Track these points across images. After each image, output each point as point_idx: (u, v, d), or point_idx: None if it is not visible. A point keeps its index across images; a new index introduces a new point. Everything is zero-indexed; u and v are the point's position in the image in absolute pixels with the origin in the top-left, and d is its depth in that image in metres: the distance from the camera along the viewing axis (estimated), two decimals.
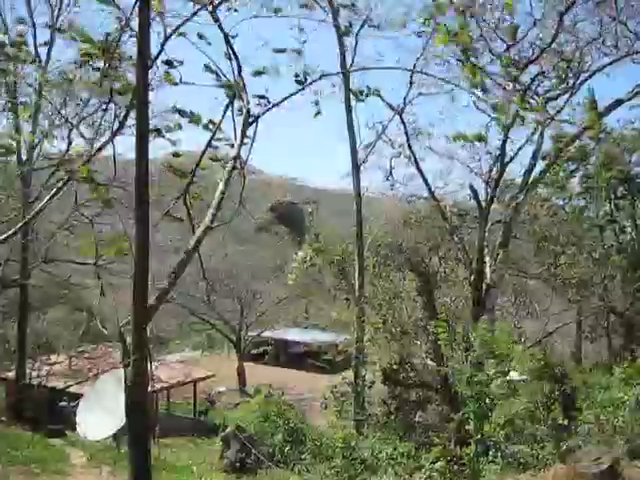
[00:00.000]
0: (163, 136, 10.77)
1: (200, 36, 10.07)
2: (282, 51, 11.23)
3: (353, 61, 27.78)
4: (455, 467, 13.91)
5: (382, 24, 26.37)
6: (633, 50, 24.81)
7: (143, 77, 7.72)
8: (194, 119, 10.49)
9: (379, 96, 25.91)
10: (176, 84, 10.72)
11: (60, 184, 12.05)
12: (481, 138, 10.37)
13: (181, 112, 10.53)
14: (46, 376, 33.11)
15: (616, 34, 24.49)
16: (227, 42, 10.19)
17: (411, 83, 26.66)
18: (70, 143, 13.12)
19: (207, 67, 10.35)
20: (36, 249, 30.28)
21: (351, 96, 27.04)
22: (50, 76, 16.84)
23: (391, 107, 27.29)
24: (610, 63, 25.57)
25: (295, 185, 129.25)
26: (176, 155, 11.03)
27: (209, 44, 10.13)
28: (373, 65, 26.62)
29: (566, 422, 13.72)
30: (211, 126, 10.52)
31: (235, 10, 9.97)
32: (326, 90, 24.43)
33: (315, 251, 28.14)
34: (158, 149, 10.87)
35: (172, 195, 10.60)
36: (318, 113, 13.85)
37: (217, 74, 10.36)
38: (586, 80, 26.43)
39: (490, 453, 14.24)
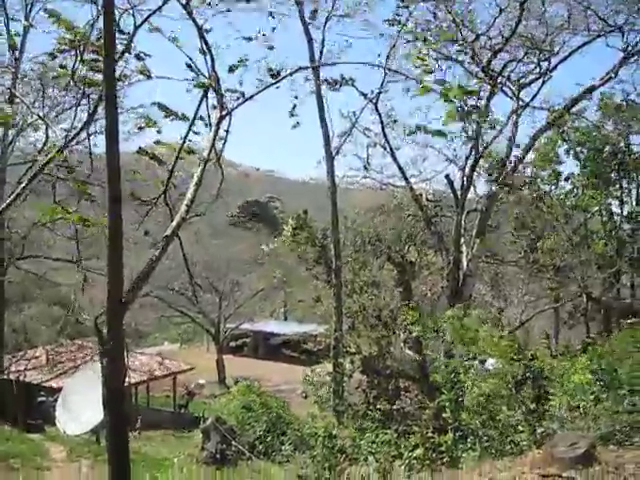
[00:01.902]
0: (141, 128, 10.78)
1: (174, 39, 10.09)
2: (250, 39, 11.31)
3: (322, 52, 27.50)
4: (434, 455, 14.09)
5: (350, 11, 26.38)
6: (603, 32, 25.10)
7: (109, 68, 7.63)
8: (170, 114, 10.47)
9: (353, 86, 26.02)
10: (150, 77, 10.70)
11: (33, 174, 11.99)
12: (441, 133, 10.40)
13: (161, 107, 10.50)
14: (24, 371, 32.94)
15: (586, 17, 24.80)
16: (201, 36, 10.19)
17: (385, 73, 26.68)
18: (47, 138, 13.09)
19: (189, 66, 10.34)
20: (12, 246, 30.11)
21: (322, 86, 27.02)
22: (24, 68, 16.81)
23: (365, 96, 27.29)
24: (581, 46, 25.87)
25: (272, 178, 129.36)
26: (158, 143, 10.98)
27: (179, 47, 10.14)
28: (343, 58, 26.43)
29: (537, 406, 13.89)
30: (185, 120, 10.52)
31: (209, 4, 9.94)
32: (299, 82, 24.50)
33: (298, 226, 28.10)
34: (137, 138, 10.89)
35: (147, 184, 10.61)
36: (297, 124, 14.03)
37: (195, 72, 10.37)
38: (559, 64, 26.70)
39: (468, 440, 14.42)
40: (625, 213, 36.62)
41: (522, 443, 13.07)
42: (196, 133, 10.69)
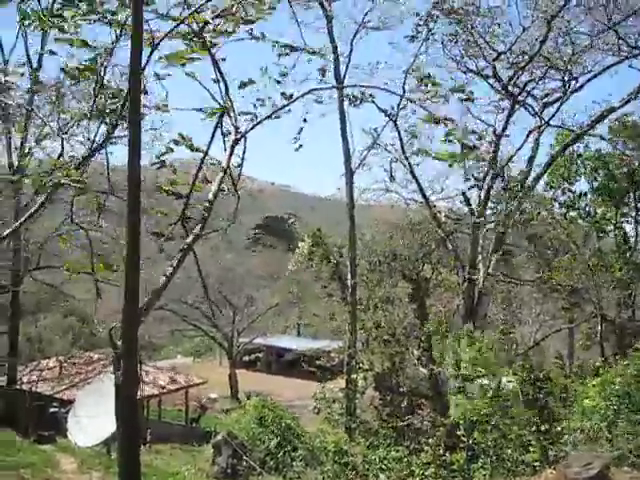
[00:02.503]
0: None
1: (190, 74, 10.22)
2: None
3: (347, 66, 27.54)
4: (445, 472, 14.00)
5: (379, 25, 26.44)
6: (631, 54, 24.98)
7: (135, 84, 7.75)
8: (189, 145, 10.69)
9: (373, 102, 26.09)
10: (167, 111, 10.93)
11: (50, 190, 12.10)
12: (453, 158, 10.50)
13: (182, 138, 10.72)
14: (37, 382, 33.03)
15: (617, 39, 24.70)
16: (215, 65, 10.30)
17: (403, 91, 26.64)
18: (63, 150, 13.16)
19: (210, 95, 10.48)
20: (29, 256, 30.32)
21: (345, 102, 27.05)
22: (42, 83, 16.92)
23: (385, 113, 27.30)
24: (609, 66, 25.73)
25: (288, 193, 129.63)
26: (173, 183, 11.10)
27: (195, 78, 10.28)
28: (366, 81, 26.44)
29: (549, 427, 13.80)
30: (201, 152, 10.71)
31: (223, 32, 10.00)
32: (322, 97, 24.52)
33: (314, 243, 28.05)
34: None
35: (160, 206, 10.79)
36: (300, 147, 14.16)
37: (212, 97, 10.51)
38: (585, 84, 26.58)
39: (480, 459, 14.33)
40: None
41: (533, 463, 12.99)
42: (213, 164, 10.87)
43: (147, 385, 32.31)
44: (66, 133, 14.21)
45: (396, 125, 27.37)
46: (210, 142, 10.47)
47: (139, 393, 8.22)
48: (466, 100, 19.47)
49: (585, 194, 35.76)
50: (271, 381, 51.37)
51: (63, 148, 13.20)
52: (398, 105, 26.66)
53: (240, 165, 11.06)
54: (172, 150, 10.91)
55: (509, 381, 15.50)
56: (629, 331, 33.13)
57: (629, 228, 36.76)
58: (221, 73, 10.43)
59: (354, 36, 26.95)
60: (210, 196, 9.86)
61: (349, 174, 28.57)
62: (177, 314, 50.22)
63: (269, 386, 46.21)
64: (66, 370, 35.83)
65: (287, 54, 12.99)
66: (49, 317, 48.44)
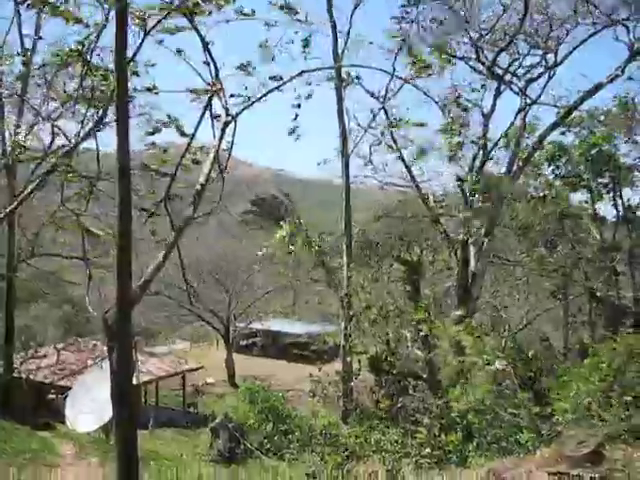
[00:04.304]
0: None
1: (179, 51, 10.25)
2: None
3: (347, 43, 27.38)
4: (440, 452, 14.13)
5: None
6: (606, 25, 24.75)
7: (122, 72, 7.77)
8: (177, 126, 10.72)
9: (360, 85, 26.20)
10: (156, 93, 10.95)
11: (42, 177, 12.17)
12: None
13: (171, 121, 10.74)
14: (34, 370, 33.11)
15: (590, 13, 24.55)
16: (205, 48, 10.32)
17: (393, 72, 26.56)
18: (54, 137, 13.20)
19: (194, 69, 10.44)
20: (23, 243, 30.24)
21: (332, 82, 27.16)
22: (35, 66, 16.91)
23: (373, 96, 27.38)
24: (586, 39, 25.53)
25: (281, 176, 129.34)
26: (164, 162, 11.12)
27: (185, 60, 10.29)
28: (362, 62, 26.58)
29: (541, 409, 13.93)
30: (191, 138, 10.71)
31: (209, 13, 10.00)
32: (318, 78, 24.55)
33: (293, 230, 28.08)
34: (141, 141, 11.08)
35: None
36: (298, 137, 14.13)
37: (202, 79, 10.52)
38: (565, 58, 26.42)
39: (474, 440, 14.47)
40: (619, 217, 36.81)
41: (526, 443, 13.12)
42: (202, 147, 10.91)
43: (144, 370, 32.40)
44: (56, 120, 14.24)
45: (384, 108, 27.44)
46: (199, 123, 10.48)
47: (135, 378, 8.29)
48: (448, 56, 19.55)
49: (565, 177, 36.06)
50: (268, 365, 51.53)
51: (54, 134, 13.25)
52: (387, 86, 26.83)
53: (230, 147, 11.06)
54: (159, 130, 10.93)
55: (500, 363, 15.62)
56: (619, 309, 33.43)
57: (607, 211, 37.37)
58: (211, 55, 10.47)
59: (352, 13, 27.02)
60: (201, 179, 9.88)
61: (345, 155, 28.61)
62: (172, 299, 50.19)
63: (266, 370, 46.37)
64: (63, 357, 35.92)
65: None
66: (43, 305, 48.30)
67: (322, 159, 30.22)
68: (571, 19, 25.06)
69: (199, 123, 10.43)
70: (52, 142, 13.20)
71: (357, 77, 26.72)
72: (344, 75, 26.87)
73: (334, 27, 27.38)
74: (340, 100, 28.42)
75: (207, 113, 10.48)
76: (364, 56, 25.95)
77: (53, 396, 31.44)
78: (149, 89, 11.16)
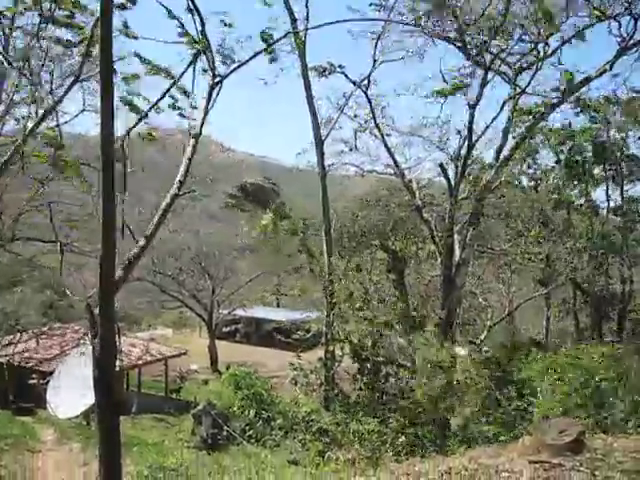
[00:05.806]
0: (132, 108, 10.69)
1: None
2: None
3: (307, 29, 26.97)
4: (417, 441, 14.24)
5: None
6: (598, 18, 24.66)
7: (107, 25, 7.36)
8: (152, 68, 10.16)
9: (342, 73, 26.13)
10: (136, 38, 10.51)
11: (12, 152, 11.98)
12: (459, 87, 10.57)
13: (140, 58, 10.23)
14: (15, 354, 32.89)
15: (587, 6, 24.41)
16: None
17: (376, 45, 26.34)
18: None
19: (169, 12, 9.88)
20: (2, 228, 29.94)
21: (310, 72, 27.07)
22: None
23: (354, 83, 27.36)
24: (579, 31, 25.40)
25: (265, 163, 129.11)
26: (151, 135, 10.91)
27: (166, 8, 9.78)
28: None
29: (519, 403, 14.08)
30: (169, 79, 10.18)
31: None
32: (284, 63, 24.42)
33: (276, 216, 28.05)
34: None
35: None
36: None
37: (181, 25, 9.92)
38: (557, 49, 26.30)
39: (450, 430, 14.61)
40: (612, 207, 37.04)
41: (505, 434, 13.24)
42: (194, 107, 10.42)
43: (126, 356, 32.28)
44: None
45: (366, 94, 27.45)
46: (182, 74, 10.02)
47: (118, 363, 8.22)
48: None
49: (552, 168, 36.15)
50: (251, 352, 51.56)
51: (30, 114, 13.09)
52: (369, 74, 26.84)
53: (210, 107, 10.37)
54: (138, 77, 10.50)
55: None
56: (603, 298, 33.67)
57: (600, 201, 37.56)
58: (194, 4, 9.88)
59: None
60: (188, 152, 9.62)
61: (319, 143, 28.59)
62: (155, 284, 50.00)
63: (249, 357, 46.39)
64: (46, 342, 35.71)
65: None
66: (24, 290, 47.93)
67: (302, 149, 30.24)
68: (562, 12, 24.92)
69: (183, 73, 9.88)
70: (27, 121, 13.03)
71: (340, 66, 26.65)
72: (326, 65, 26.75)
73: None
74: (309, 87, 28.24)
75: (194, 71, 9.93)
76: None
77: (34, 381, 31.25)
78: (128, 35, 10.58)
